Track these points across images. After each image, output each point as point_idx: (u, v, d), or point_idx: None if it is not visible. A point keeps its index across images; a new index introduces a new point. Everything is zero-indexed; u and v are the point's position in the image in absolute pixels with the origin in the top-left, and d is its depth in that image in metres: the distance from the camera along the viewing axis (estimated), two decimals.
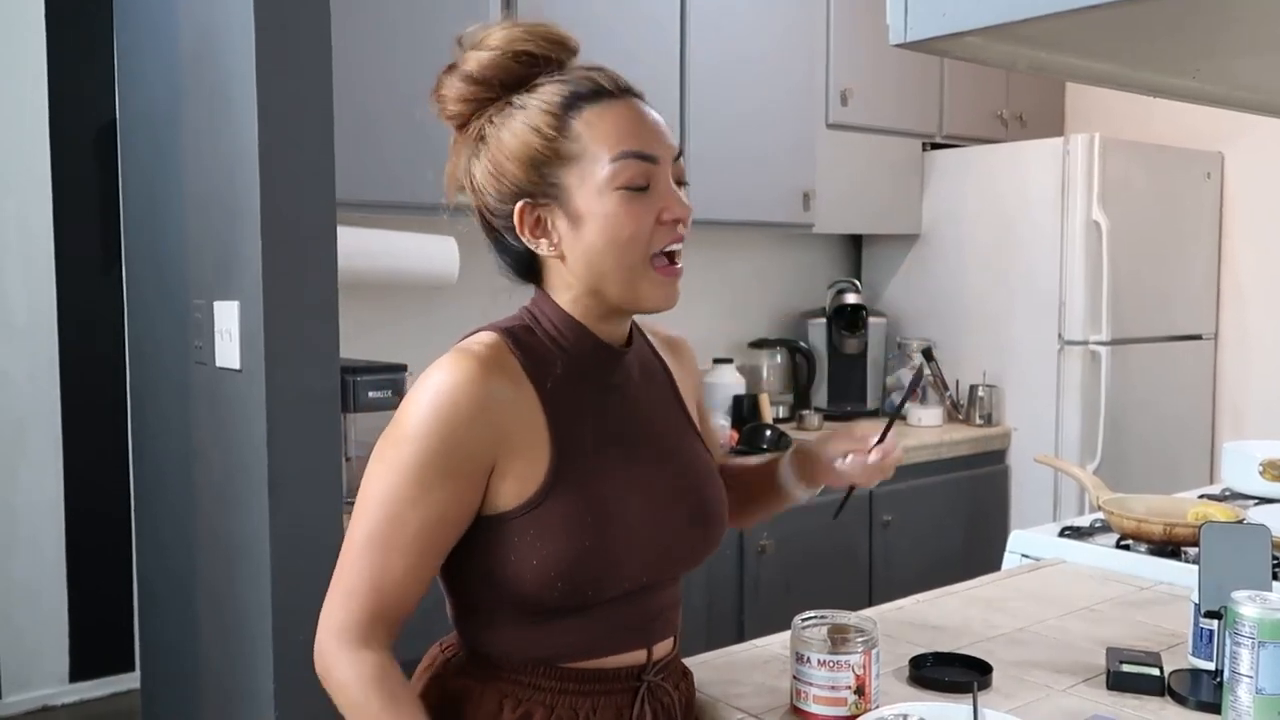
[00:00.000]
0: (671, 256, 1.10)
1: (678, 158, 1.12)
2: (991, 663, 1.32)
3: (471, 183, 1.12)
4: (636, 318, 1.21)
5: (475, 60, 1.09)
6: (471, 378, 1.04)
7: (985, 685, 1.27)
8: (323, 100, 1.94)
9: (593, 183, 1.06)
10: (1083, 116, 3.96)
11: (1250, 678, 1.08)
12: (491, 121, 1.10)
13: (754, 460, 1.38)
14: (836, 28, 3.29)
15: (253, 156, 1.89)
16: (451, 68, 1.11)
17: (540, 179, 1.07)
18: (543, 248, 1.10)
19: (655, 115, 1.11)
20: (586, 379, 1.13)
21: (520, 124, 1.07)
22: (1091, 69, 1.24)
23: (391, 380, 2.27)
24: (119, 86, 2.45)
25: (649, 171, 1.07)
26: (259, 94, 1.87)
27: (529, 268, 1.14)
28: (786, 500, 1.31)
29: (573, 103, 1.07)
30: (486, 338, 1.10)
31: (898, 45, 1.08)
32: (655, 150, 1.08)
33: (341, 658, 1.05)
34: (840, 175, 3.35)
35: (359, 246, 2.37)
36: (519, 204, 1.08)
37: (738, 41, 3.04)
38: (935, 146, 3.66)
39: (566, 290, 1.12)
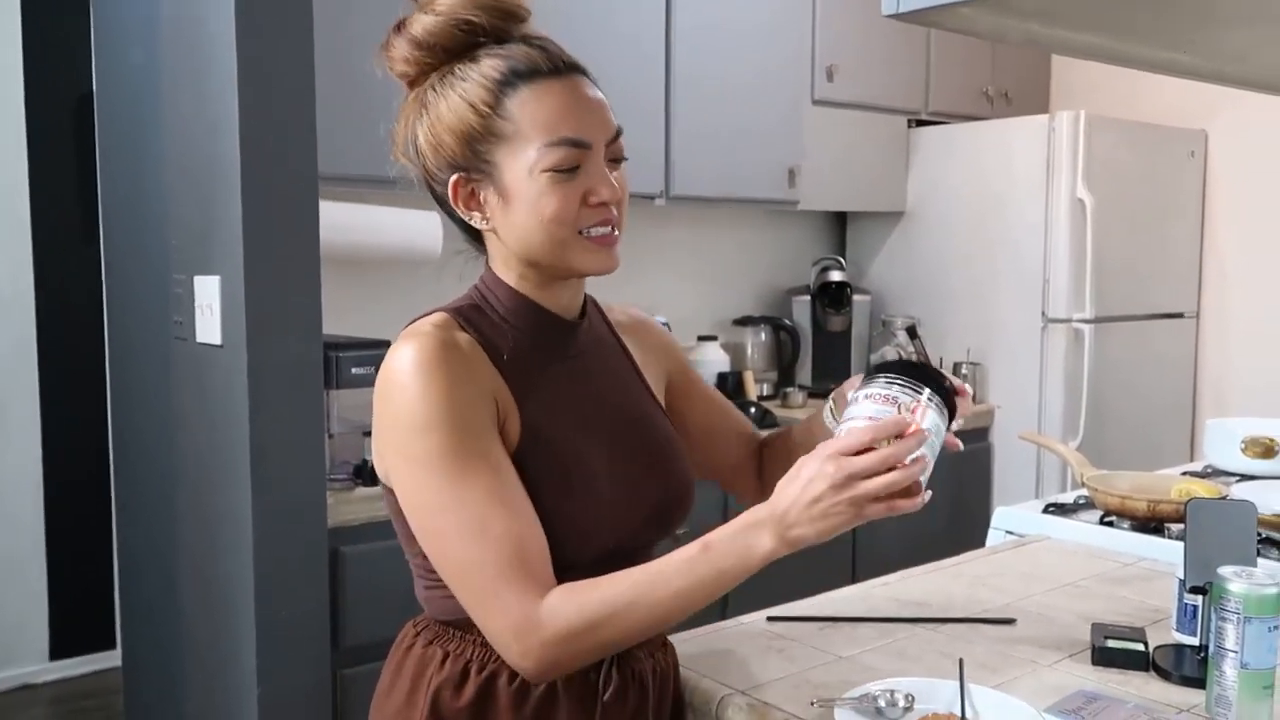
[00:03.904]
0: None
1: (616, 137, 1.11)
2: (977, 638, 1.32)
3: (415, 147, 1.13)
4: (600, 300, 1.24)
5: (420, 24, 1.10)
6: (438, 345, 1.05)
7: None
8: (304, 72, 1.91)
9: (523, 163, 1.06)
10: (1068, 94, 3.95)
11: (1235, 653, 1.08)
12: (434, 89, 1.10)
13: (786, 428, 1.36)
14: (823, 3, 3.27)
15: (233, 129, 1.86)
16: (400, 27, 1.12)
17: (474, 155, 1.08)
18: (476, 220, 1.12)
19: (594, 94, 1.10)
20: (539, 351, 1.14)
21: (457, 97, 1.08)
22: (1083, 42, 1.23)
23: (374, 356, 2.25)
24: (96, 57, 2.42)
25: (579, 156, 1.07)
26: (239, 65, 1.85)
27: (474, 232, 1.16)
28: None
29: (509, 80, 1.07)
30: (436, 318, 1.11)
31: (890, 16, 1.07)
32: (587, 135, 1.07)
33: (547, 627, 1.00)
34: (825, 152, 3.34)
35: (342, 221, 2.35)
36: (454, 177, 1.10)
37: (723, 17, 3.02)
38: (920, 123, 3.65)
39: (506, 263, 1.14)
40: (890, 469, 0.97)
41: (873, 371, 1.07)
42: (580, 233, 1.08)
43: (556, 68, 1.08)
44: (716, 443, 1.34)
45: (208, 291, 1.98)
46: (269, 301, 1.91)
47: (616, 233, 1.11)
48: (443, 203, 1.15)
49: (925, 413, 1.02)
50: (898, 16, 1.07)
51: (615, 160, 1.11)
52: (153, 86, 2.16)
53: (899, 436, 0.99)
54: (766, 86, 3.13)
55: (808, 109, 3.27)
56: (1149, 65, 1.33)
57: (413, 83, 1.13)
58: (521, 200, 1.07)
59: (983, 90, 3.74)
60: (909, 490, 0.99)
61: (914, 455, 0.99)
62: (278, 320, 1.92)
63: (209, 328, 1.99)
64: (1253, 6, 1.10)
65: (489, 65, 1.08)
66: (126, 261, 2.36)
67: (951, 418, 1.06)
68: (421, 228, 2.52)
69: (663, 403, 1.27)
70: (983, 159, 3.46)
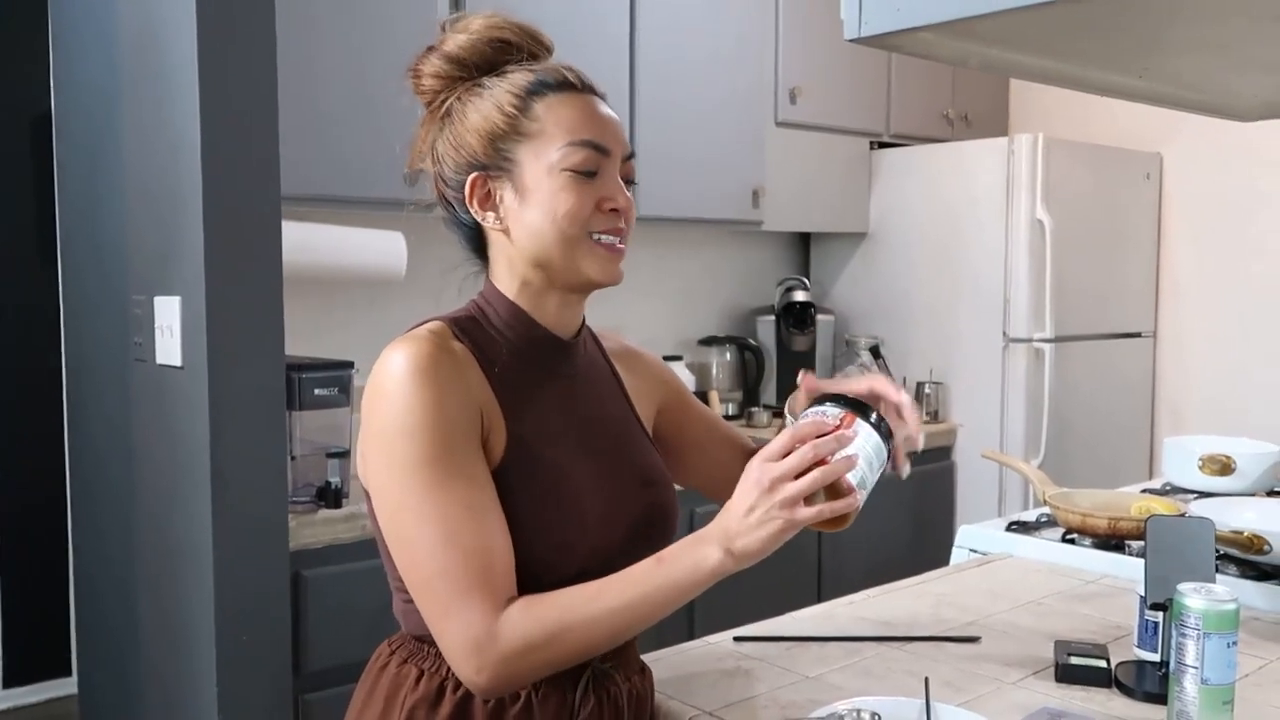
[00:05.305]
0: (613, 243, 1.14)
1: (629, 158, 1.16)
2: (942, 656, 1.33)
3: (433, 155, 1.17)
4: (594, 326, 1.25)
5: (455, 41, 1.15)
6: (432, 352, 1.06)
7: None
8: (267, 91, 1.90)
9: (544, 161, 1.10)
10: (1026, 117, 4.01)
11: (1196, 668, 1.10)
12: (460, 99, 1.15)
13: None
14: (786, 26, 3.30)
15: (195, 147, 1.85)
16: (431, 48, 1.16)
17: (496, 153, 1.12)
18: (489, 220, 1.14)
19: (613, 114, 1.16)
20: (533, 367, 1.15)
21: (486, 102, 1.13)
22: (1041, 67, 1.25)
23: (338, 377, 2.24)
24: (54, 75, 2.39)
25: (598, 161, 1.12)
26: (201, 83, 1.83)
27: (478, 244, 1.19)
28: None
29: (537, 88, 1.13)
30: (432, 325, 1.13)
31: (851, 40, 1.09)
32: (608, 143, 1.13)
33: (504, 642, 1.01)
34: (789, 173, 3.37)
35: (305, 241, 2.33)
36: (472, 175, 1.13)
37: (687, 39, 3.04)
38: (883, 145, 3.69)
39: (510, 270, 1.15)
40: (816, 467, 0.99)
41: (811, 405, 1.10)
42: (591, 236, 1.12)
43: (582, 85, 1.15)
44: (712, 454, 1.37)
45: (168, 312, 1.96)
46: (230, 322, 1.89)
47: (623, 246, 1.14)
48: (450, 210, 1.17)
49: (850, 421, 1.04)
50: (860, 40, 1.09)
51: (626, 181, 1.16)
52: (112, 104, 2.13)
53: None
54: (731, 108, 3.16)
55: (771, 131, 3.30)
56: (1105, 90, 1.35)
57: (433, 100, 1.17)
58: (538, 196, 1.10)
59: (943, 113, 3.79)
60: (839, 491, 1.00)
61: (840, 455, 1.00)
62: (239, 341, 1.90)
63: (169, 349, 1.96)
64: (1197, 36, 1.13)
65: (517, 76, 1.14)
66: (85, 281, 2.33)
67: (889, 440, 1.08)
68: (386, 248, 2.50)
69: (651, 431, 1.29)
70: (943, 180, 3.51)
